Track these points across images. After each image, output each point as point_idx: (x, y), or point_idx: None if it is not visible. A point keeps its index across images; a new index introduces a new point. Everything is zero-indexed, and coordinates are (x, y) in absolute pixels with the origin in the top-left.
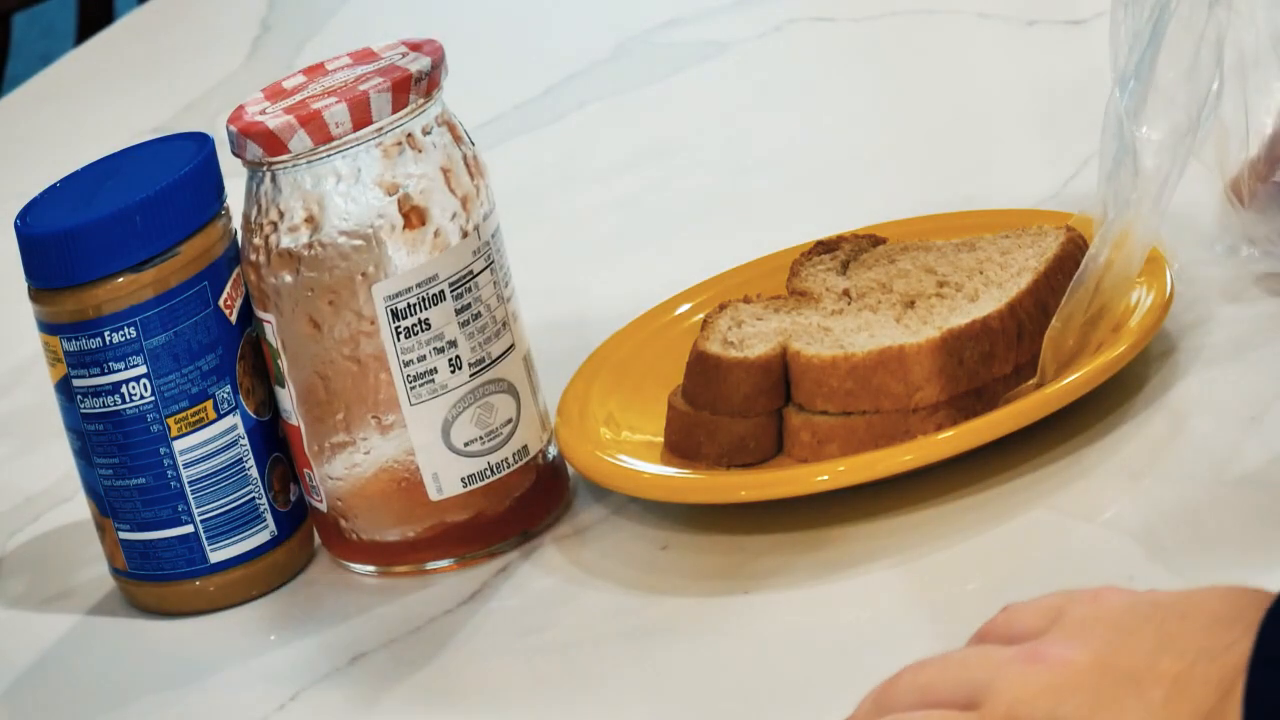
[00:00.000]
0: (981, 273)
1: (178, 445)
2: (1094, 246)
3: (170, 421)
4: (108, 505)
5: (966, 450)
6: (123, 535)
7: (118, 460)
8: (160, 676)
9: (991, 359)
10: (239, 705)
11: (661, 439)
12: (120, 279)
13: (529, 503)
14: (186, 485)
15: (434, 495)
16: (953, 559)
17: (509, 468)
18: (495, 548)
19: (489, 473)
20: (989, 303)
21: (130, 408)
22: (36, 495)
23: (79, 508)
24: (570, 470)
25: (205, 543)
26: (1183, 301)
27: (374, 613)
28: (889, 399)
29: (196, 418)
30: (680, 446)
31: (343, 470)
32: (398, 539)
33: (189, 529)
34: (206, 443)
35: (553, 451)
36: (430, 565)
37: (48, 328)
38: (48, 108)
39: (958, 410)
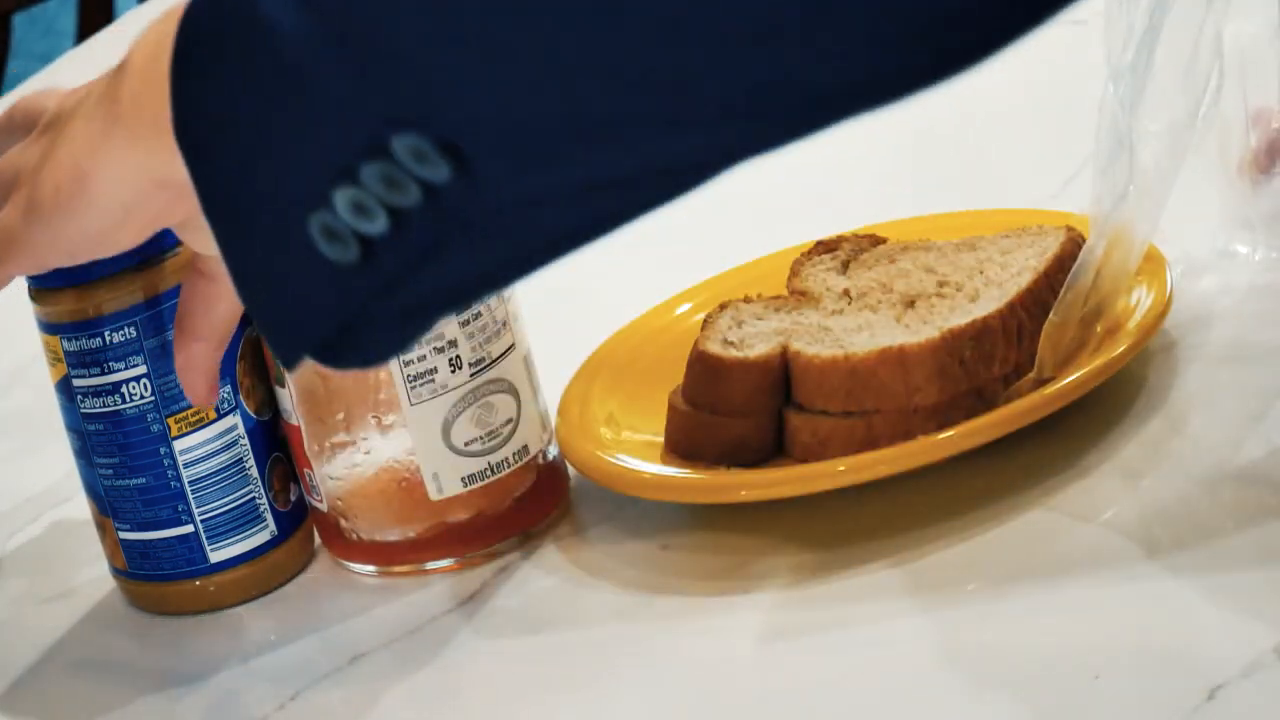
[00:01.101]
0: (981, 273)
1: (178, 445)
2: (1090, 240)
3: (170, 421)
4: (108, 505)
5: (966, 450)
6: (123, 535)
7: (118, 460)
8: (160, 676)
9: (991, 359)
10: (239, 705)
11: (661, 439)
12: (120, 278)
13: (529, 503)
14: (187, 485)
15: (434, 495)
16: (952, 559)
17: (509, 467)
18: (495, 548)
19: (489, 472)
20: (989, 303)
21: (130, 407)
22: (36, 495)
23: (79, 508)
24: (570, 470)
25: (205, 543)
26: (1183, 299)
27: (374, 613)
28: (889, 399)
29: (197, 417)
30: (680, 446)
31: (343, 470)
32: (398, 539)
33: (189, 529)
34: (207, 442)
35: (553, 451)
36: (430, 565)
37: (48, 327)
38: None
39: (958, 410)
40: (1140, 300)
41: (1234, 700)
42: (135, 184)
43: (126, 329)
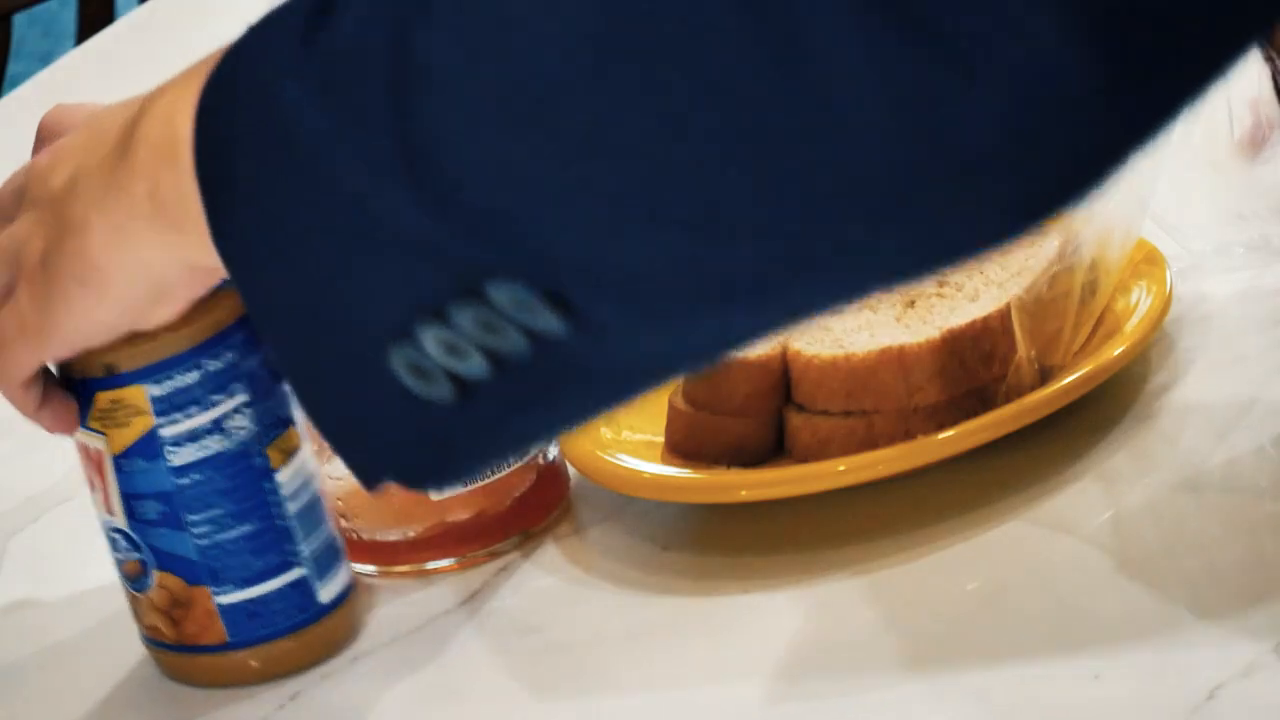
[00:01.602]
0: (981, 272)
1: (279, 478)
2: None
3: (270, 452)
4: (205, 570)
5: (966, 450)
6: (222, 600)
7: (220, 510)
8: (161, 676)
9: (991, 359)
10: (239, 704)
11: (661, 439)
12: (216, 299)
13: (529, 502)
14: (293, 521)
15: (434, 494)
16: (951, 559)
17: (509, 467)
18: (495, 547)
19: (489, 472)
20: (989, 302)
21: (234, 445)
22: (36, 495)
23: (79, 507)
24: (570, 470)
25: (316, 583)
26: (1178, 298)
27: (374, 613)
28: (889, 399)
29: (289, 444)
30: (680, 446)
31: (343, 470)
32: (398, 539)
33: (301, 571)
34: (299, 471)
35: (553, 451)
36: (430, 565)
37: (123, 379)
38: (48, 108)
39: (958, 410)
40: (1140, 300)
41: (1234, 700)
42: (166, 271)
43: (225, 354)
